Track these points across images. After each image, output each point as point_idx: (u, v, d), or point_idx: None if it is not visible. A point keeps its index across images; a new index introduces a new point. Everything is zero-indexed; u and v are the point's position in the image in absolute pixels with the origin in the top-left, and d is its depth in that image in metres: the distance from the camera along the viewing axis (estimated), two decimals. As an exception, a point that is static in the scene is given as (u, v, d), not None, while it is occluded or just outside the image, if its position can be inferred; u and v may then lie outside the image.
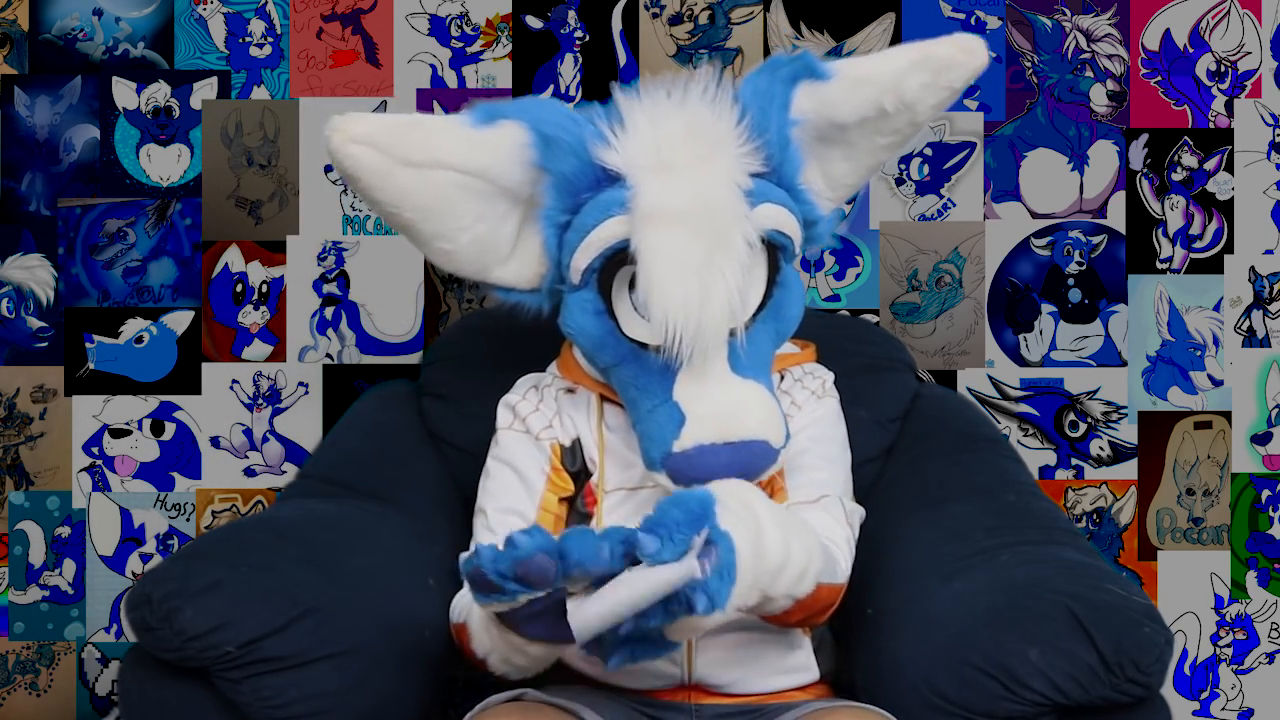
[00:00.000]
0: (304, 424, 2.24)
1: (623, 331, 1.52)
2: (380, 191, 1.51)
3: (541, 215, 1.55)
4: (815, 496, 1.59)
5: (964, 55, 1.62)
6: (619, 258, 1.50)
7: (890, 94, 1.59)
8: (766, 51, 2.22)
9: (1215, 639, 2.24)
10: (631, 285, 1.50)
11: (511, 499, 1.62)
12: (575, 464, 1.63)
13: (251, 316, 2.24)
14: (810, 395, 1.66)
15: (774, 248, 1.54)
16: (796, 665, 1.62)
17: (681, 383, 1.49)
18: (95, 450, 2.25)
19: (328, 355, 2.24)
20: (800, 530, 1.45)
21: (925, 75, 1.60)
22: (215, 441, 2.25)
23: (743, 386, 1.50)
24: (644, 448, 1.52)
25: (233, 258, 2.24)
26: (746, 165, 1.51)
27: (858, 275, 2.24)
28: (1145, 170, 2.23)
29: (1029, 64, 2.23)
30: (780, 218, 1.53)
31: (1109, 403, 2.23)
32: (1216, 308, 2.24)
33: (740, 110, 1.53)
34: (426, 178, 1.51)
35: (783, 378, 1.67)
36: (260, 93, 2.23)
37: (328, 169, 2.23)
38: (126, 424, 2.24)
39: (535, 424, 1.64)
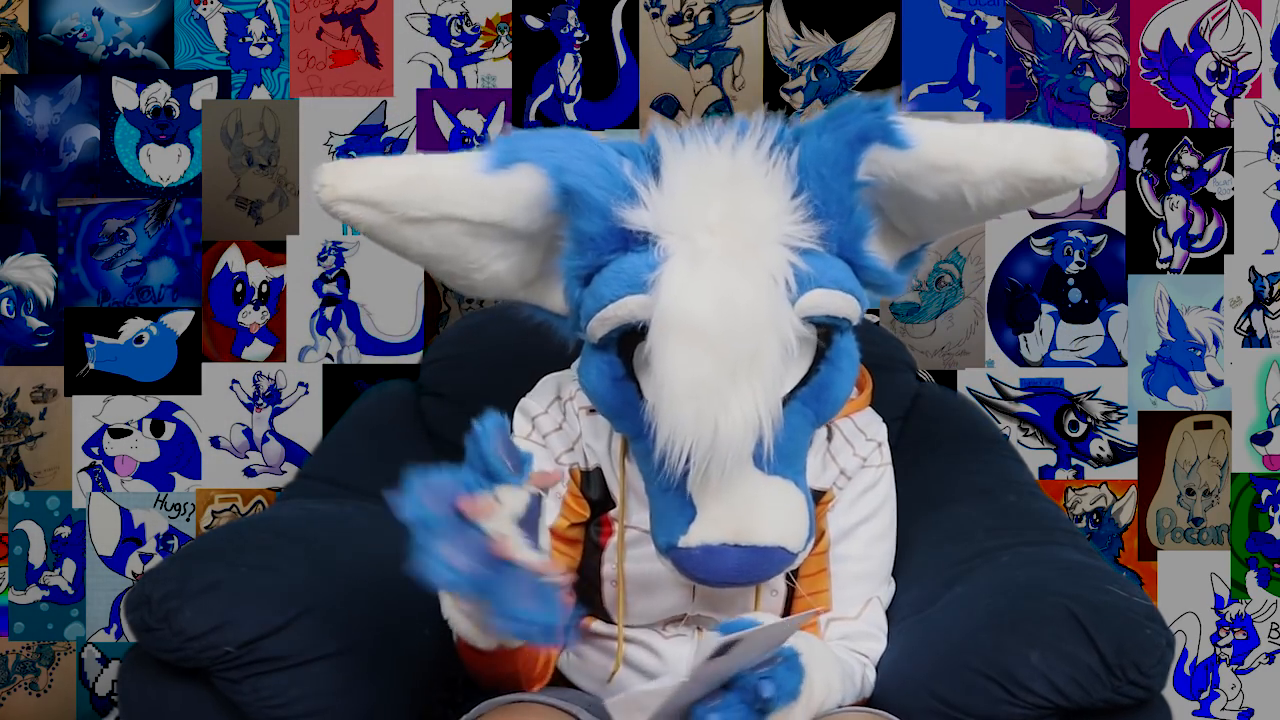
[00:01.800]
0: (304, 424, 2.24)
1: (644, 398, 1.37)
2: (384, 242, 1.40)
3: (561, 263, 1.42)
4: (858, 609, 1.53)
5: (1069, 173, 1.35)
6: (640, 332, 1.36)
7: (973, 191, 1.36)
8: (767, 51, 2.22)
9: (1215, 639, 2.24)
10: None
11: None
12: (596, 493, 1.53)
13: (251, 316, 2.24)
14: (860, 465, 1.55)
15: (826, 327, 1.40)
16: None
17: (695, 478, 1.34)
18: (95, 450, 2.24)
19: (328, 355, 2.24)
20: (831, 670, 1.41)
21: (1014, 189, 1.36)
22: (215, 441, 2.25)
23: (766, 486, 1.35)
24: (652, 529, 1.40)
25: (233, 258, 2.24)
26: (796, 245, 1.35)
27: (858, 275, 2.24)
28: (1145, 170, 2.23)
29: (1029, 64, 2.23)
30: (833, 303, 1.38)
31: (1109, 403, 2.23)
32: (1216, 308, 2.23)
33: (798, 176, 1.37)
34: (432, 230, 1.38)
35: (831, 436, 1.55)
36: (260, 93, 2.23)
37: (328, 169, 2.23)
38: (126, 424, 2.24)
39: (556, 444, 1.54)
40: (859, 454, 1.55)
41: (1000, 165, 1.35)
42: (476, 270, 1.42)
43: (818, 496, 1.53)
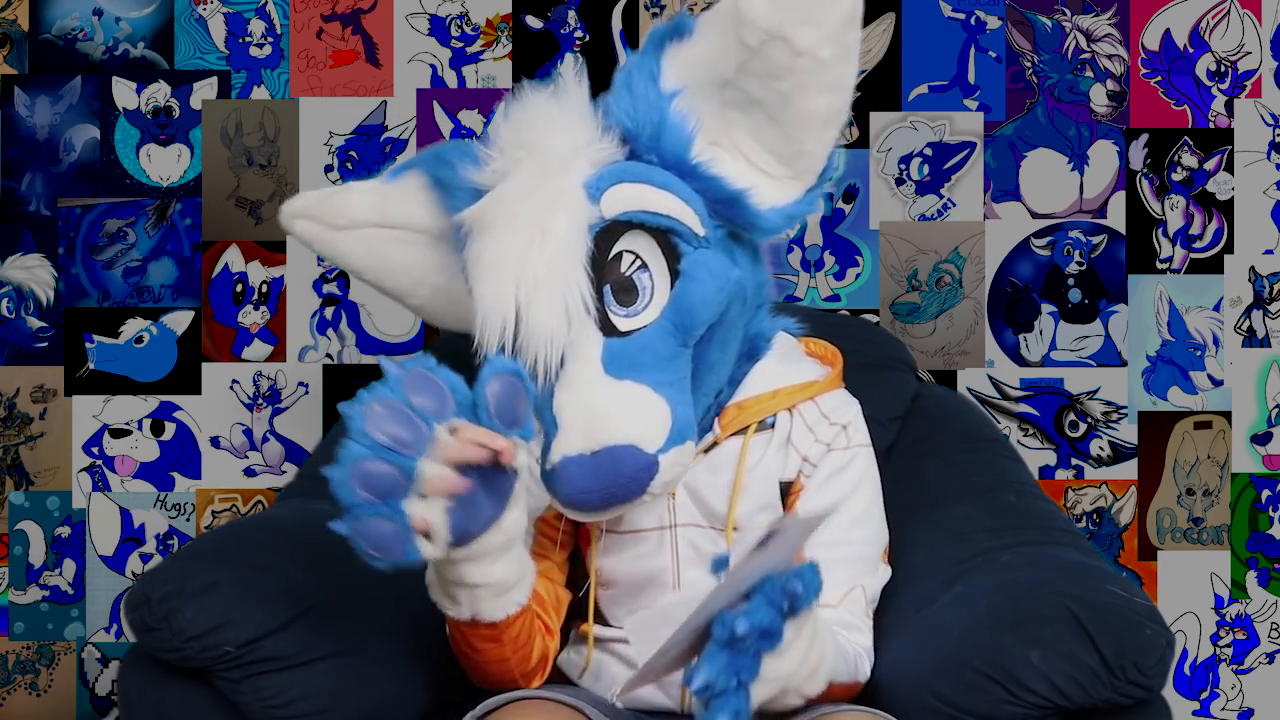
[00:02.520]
0: (304, 424, 2.24)
1: None
2: (330, 256, 1.62)
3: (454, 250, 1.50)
4: (839, 597, 1.49)
5: None
6: None
7: (743, 25, 1.37)
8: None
9: (1215, 639, 2.24)
10: None
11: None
12: None
13: (251, 316, 2.24)
14: (825, 451, 1.53)
15: (662, 232, 1.40)
16: None
17: (556, 394, 1.37)
18: (95, 450, 2.25)
19: (328, 355, 2.24)
20: (823, 634, 1.37)
21: None
22: (215, 441, 2.25)
23: (612, 388, 1.36)
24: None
25: (233, 258, 2.24)
26: (594, 153, 1.40)
27: (858, 275, 2.24)
28: (1145, 170, 2.23)
29: (1029, 64, 2.23)
30: (646, 197, 1.40)
31: (1109, 403, 2.23)
32: (1216, 308, 2.24)
33: (608, 100, 1.43)
34: (357, 237, 1.58)
35: (792, 420, 1.53)
36: (260, 93, 2.24)
37: (327, 169, 2.24)
38: (126, 424, 2.24)
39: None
40: (822, 440, 1.53)
41: None
42: (416, 283, 1.59)
43: (785, 488, 1.53)
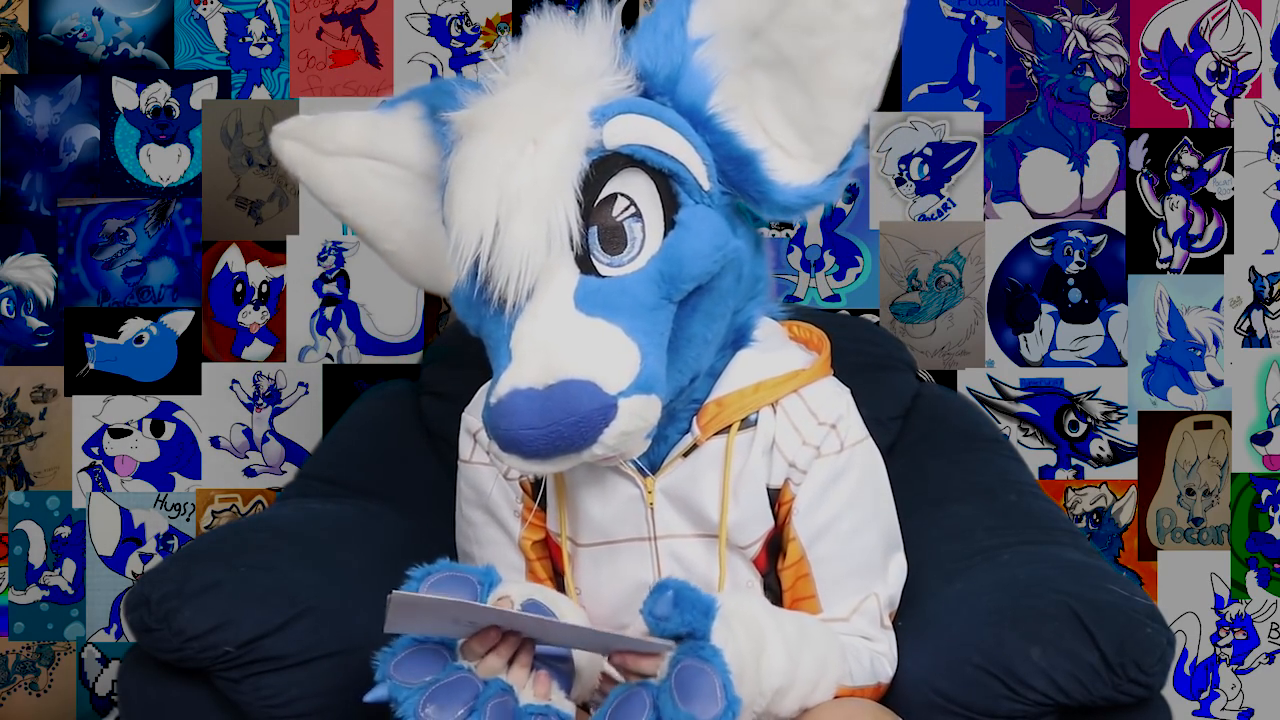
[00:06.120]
0: (304, 424, 2.24)
1: None
2: (312, 183, 1.55)
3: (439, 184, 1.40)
4: (850, 610, 1.44)
5: None
6: None
7: None
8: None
9: (1215, 639, 2.24)
10: None
11: (499, 552, 1.49)
12: (545, 503, 1.48)
13: (251, 316, 2.24)
14: (814, 456, 1.40)
15: (664, 175, 1.31)
16: None
17: (518, 325, 1.27)
18: (95, 450, 2.25)
19: (328, 355, 2.24)
20: (814, 642, 1.35)
21: None
22: (215, 441, 2.25)
23: (580, 323, 1.26)
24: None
25: (233, 258, 2.24)
26: (606, 84, 1.31)
27: (858, 275, 2.24)
28: (1145, 170, 2.24)
29: (1029, 64, 2.23)
30: (652, 132, 1.30)
31: (1109, 403, 2.23)
32: (1216, 308, 2.24)
33: (635, 32, 1.35)
34: (343, 166, 1.52)
35: (776, 419, 1.42)
36: (260, 93, 2.24)
37: (328, 169, 2.24)
38: (126, 424, 2.24)
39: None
40: (810, 442, 1.41)
41: None
42: (394, 224, 1.53)
43: (773, 496, 1.43)
